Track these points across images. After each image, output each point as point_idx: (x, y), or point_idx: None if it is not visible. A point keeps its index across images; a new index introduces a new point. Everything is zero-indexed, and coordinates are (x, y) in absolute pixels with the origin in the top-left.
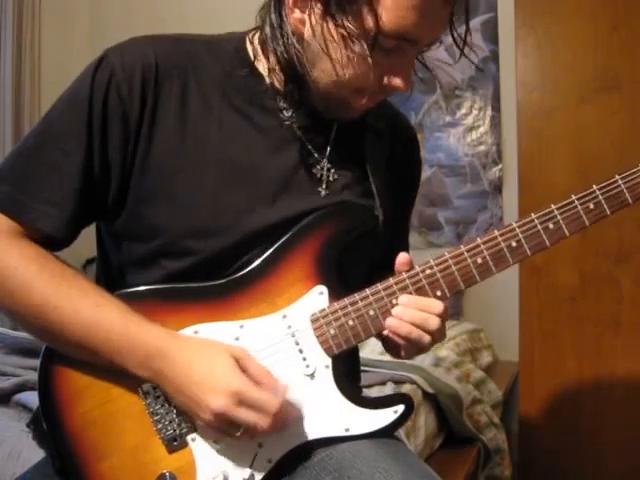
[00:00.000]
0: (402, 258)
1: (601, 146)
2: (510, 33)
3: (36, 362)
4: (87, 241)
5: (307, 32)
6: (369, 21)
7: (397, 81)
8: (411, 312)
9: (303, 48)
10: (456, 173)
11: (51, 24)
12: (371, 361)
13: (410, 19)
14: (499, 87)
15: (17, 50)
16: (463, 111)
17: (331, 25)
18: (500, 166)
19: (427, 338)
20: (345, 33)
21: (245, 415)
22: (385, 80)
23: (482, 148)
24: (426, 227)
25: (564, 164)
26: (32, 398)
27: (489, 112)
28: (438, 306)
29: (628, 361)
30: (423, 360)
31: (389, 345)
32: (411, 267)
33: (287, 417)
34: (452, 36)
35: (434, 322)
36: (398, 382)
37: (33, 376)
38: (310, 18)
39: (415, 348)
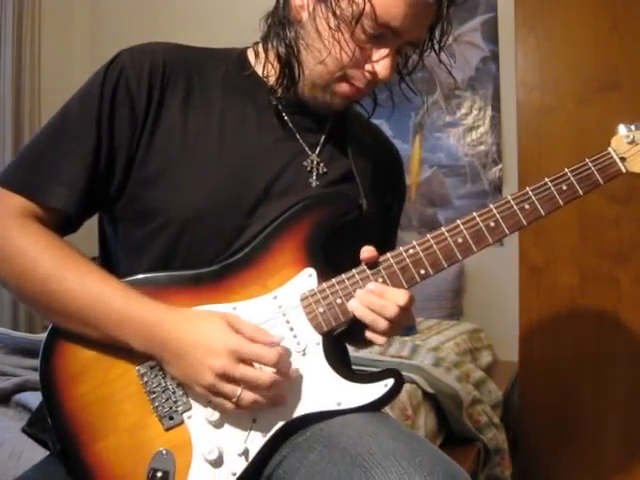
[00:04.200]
0: (367, 252)
1: (601, 146)
2: (510, 33)
3: (36, 362)
4: (87, 241)
5: (305, 16)
6: (358, 1)
7: (378, 68)
8: (370, 298)
9: (301, 32)
10: (456, 173)
11: (51, 24)
12: (370, 361)
13: (397, 7)
14: (499, 87)
15: (17, 50)
16: (463, 111)
17: (325, 6)
18: (500, 166)
19: (383, 323)
20: (334, 12)
21: (245, 371)
22: (367, 67)
23: (482, 148)
24: (426, 227)
25: (564, 164)
26: (32, 398)
27: (489, 112)
28: (401, 297)
29: (628, 361)
30: (423, 360)
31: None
32: (377, 258)
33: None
34: (431, 38)
35: (391, 310)
36: None
37: (33, 376)
38: (308, 2)
39: (372, 331)
